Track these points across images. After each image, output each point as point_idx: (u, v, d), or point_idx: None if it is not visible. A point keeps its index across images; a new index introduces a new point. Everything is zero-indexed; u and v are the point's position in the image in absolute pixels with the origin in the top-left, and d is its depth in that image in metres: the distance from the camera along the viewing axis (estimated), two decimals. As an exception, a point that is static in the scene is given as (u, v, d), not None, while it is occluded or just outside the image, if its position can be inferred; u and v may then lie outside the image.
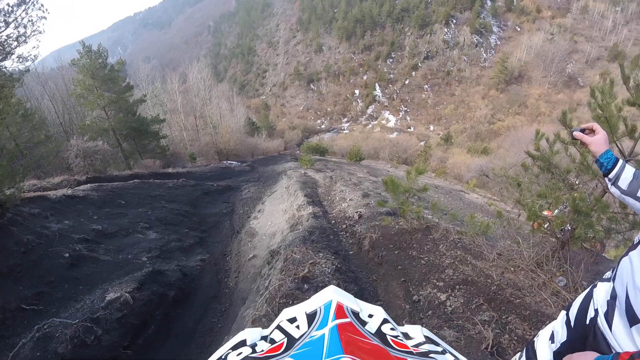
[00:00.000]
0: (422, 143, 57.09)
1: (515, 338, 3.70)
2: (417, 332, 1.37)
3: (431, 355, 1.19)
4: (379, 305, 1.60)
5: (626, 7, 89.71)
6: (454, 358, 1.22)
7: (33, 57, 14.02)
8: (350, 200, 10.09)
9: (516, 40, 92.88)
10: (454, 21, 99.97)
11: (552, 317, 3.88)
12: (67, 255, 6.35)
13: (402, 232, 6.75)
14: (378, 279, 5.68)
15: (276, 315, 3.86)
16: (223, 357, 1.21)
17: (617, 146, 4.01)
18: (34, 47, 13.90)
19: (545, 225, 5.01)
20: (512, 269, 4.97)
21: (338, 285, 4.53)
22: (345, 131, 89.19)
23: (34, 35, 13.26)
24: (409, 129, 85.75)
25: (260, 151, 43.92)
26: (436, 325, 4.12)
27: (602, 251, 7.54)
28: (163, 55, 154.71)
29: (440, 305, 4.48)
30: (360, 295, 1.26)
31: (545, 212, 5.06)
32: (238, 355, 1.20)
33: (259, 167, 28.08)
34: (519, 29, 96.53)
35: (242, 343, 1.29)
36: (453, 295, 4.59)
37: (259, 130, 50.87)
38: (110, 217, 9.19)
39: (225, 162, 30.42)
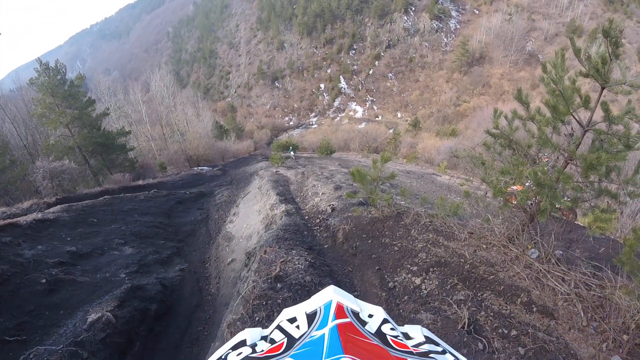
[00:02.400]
0: (390, 130, 57.27)
1: (492, 314, 3.77)
2: (417, 332, 1.38)
3: (431, 355, 1.19)
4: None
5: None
6: (454, 358, 1.22)
7: (-11, 82, 13.61)
8: (322, 194, 10.15)
9: (475, 22, 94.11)
10: (413, 8, 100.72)
11: (526, 290, 3.98)
12: (44, 281, 6.23)
13: (374, 220, 6.84)
14: (353, 270, 5.74)
15: (251, 318, 3.95)
16: (223, 357, 1.20)
17: (575, 118, 4.13)
18: (-11, 71, 13.50)
19: (514, 202, 5.10)
20: (484, 246, 5.07)
21: (312, 281, 4.64)
22: (314, 126, 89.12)
23: (-14, 59, 12.86)
24: (377, 118, 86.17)
25: (230, 154, 43.59)
26: (413, 310, 4.17)
27: (575, 219, 7.84)
28: (123, 66, 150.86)
29: (416, 290, 4.55)
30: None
31: (515, 187, 5.16)
32: (238, 355, 1.20)
33: (230, 170, 27.98)
34: (477, 12, 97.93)
35: (242, 343, 1.29)
36: (427, 278, 4.66)
37: (227, 133, 50.55)
38: (84, 237, 9.04)
39: (196, 168, 30.14)
